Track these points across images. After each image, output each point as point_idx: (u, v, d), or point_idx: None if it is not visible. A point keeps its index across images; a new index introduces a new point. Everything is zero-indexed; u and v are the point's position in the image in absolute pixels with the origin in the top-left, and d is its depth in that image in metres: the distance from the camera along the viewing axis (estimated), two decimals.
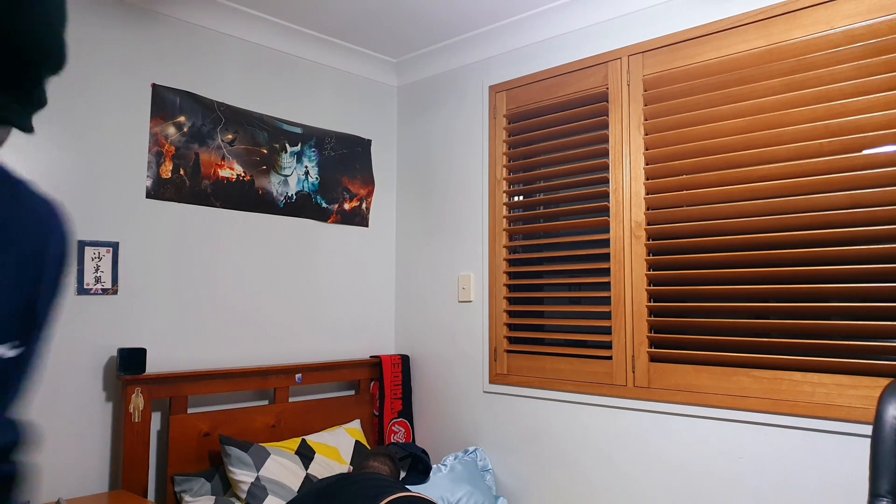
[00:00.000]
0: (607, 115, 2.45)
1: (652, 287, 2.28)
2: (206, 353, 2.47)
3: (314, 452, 2.48)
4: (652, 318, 2.28)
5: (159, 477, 2.30)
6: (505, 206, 2.75)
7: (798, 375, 1.96)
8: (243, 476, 2.23)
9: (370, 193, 3.11)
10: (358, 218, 3.05)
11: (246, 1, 2.54)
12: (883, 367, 1.82)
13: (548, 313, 2.72)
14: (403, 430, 2.97)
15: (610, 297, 2.39)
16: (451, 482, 2.45)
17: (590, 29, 2.53)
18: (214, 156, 2.53)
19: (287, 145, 2.78)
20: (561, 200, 2.60)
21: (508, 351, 2.70)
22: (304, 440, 2.51)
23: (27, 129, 0.67)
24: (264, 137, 2.70)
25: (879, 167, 1.86)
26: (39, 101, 0.68)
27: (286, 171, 2.77)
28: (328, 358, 2.88)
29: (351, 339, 2.99)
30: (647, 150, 2.33)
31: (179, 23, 2.48)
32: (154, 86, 2.39)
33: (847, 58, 1.93)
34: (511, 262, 2.73)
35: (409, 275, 3.13)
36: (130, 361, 2.18)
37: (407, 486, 2.16)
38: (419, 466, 2.55)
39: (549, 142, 2.63)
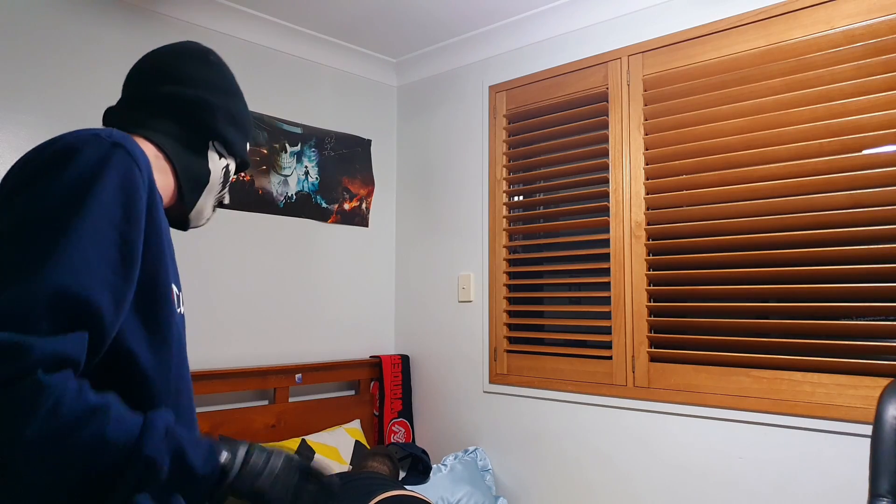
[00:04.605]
0: (607, 115, 2.45)
1: (652, 287, 2.28)
2: (205, 353, 2.47)
3: (314, 452, 2.48)
4: (652, 318, 2.28)
5: None
6: (505, 206, 2.75)
7: (798, 375, 1.96)
8: None
9: (370, 193, 3.11)
10: (358, 218, 3.05)
11: (246, 1, 2.54)
12: (883, 367, 1.82)
13: (548, 313, 2.72)
14: (403, 430, 2.97)
15: (610, 297, 2.39)
16: (451, 482, 2.45)
17: (590, 29, 2.53)
18: None
19: (287, 145, 2.78)
20: (561, 200, 2.60)
21: (508, 351, 2.70)
22: (304, 440, 2.51)
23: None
24: (264, 137, 2.70)
25: (879, 167, 1.86)
26: None
27: (286, 171, 2.77)
28: (328, 358, 2.88)
29: (351, 339, 2.99)
30: (647, 150, 2.33)
31: (179, 23, 2.48)
32: None
33: (847, 58, 1.93)
34: (511, 262, 2.73)
35: (409, 275, 3.13)
36: None
37: (404, 486, 2.16)
38: (419, 466, 2.55)
39: (549, 142, 2.63)
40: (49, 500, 0.74)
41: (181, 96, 1.06)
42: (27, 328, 0.69)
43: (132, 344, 0.84)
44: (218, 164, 1.11)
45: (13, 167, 0.85)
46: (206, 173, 1.09)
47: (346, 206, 3.00)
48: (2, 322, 0.68)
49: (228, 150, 1.13)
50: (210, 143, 1.09)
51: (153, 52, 1.11)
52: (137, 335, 0.85)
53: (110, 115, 1.07)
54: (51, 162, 0.81)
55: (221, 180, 1.13)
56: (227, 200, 1.19)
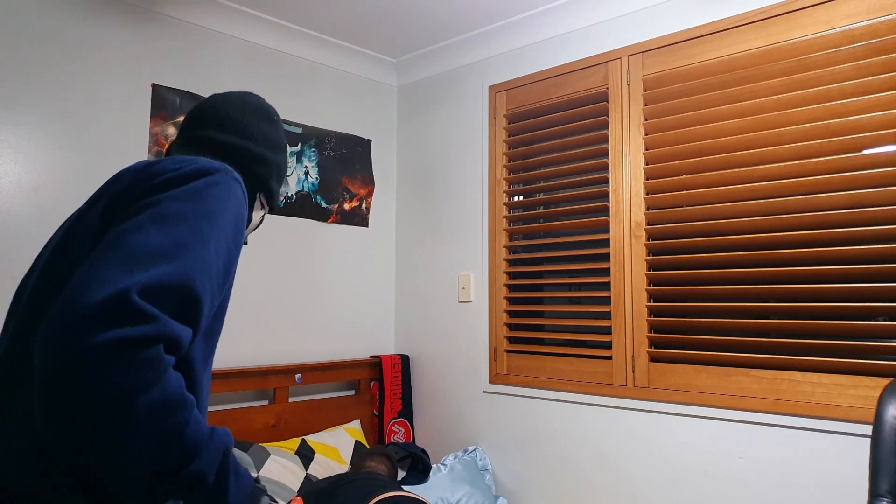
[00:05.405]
0: (607, 115, 2.45)
1: (652, 287, 2.28)
2: None
3: (314, 452, 2.48)
4: (652, 318, 2.28)
5: None
6: (505, 206, 2.75)
7: (798, 375, 1.96)
8: None
9: (370, 193, 3.11)
10: (358, 218, 3.05)
11: (246, 1, 2.54)
12: (883, 367, 1.82)
13: (548, 313, 2.72)
14: (403, 430, 2.97)
15: (610, 297, 2.39)
16: (451, 482, 2.45)
17: (590, 29, 2.53)
18: None
19: (287, 145, 2.78)
20: (561, 200, 2.60)
21: (508, 351, 2.70)
22: (304, 440, 2.51)
23: None
24: None
25: (879, 167, 1.86)
26: None
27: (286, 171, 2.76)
28: (328, 358, 2.88)
29: (351, 339, 2.99)
30: (647, 150, 2.33)
31: (179, 23, 2.48)
32: (154, 86, 2.39)
33: (847, 58, 1.93)
34: (511, 262, 2.73)
35: (409, 275, 3.13)
36: None
37: (402, 486, 2.16)
38: (419, 466, 2.55)
39: (549, 142, 2.63)
40: (118, 480, 0.77)
41: (249, 151, 1.16)
42: (161, 306, 0.76)
43: (194, 352, 0.91)
44: (258, 214, 1.23)
45: (144, 174, 0.92)
46: (250, 220, 1.19)
47: (346, 206, 3.00)
48: (146, 294, 0.75)
49: (269, 202, 1.24)
50: (258, 195, 1.20)
51: (220, 99, 1.19)
52: (199, 345, 0.92)
53: (175, 151, 1.14)
54: (193, 175, 0.92)
55: (255, 227, 1.24)
56: (246, 242, 1.29)
